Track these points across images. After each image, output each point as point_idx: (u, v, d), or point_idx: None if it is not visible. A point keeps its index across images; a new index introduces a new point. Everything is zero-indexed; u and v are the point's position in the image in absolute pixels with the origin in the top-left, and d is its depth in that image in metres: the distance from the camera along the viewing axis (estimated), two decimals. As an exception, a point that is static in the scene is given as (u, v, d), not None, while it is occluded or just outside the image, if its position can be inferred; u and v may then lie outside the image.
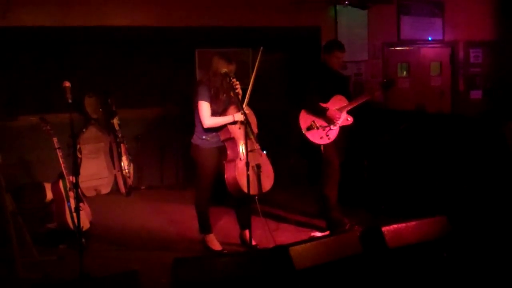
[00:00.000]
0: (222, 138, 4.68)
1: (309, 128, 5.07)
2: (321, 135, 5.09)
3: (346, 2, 7.46)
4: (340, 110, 5.14)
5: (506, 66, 8.73)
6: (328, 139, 5.11)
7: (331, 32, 7.46)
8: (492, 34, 8.82)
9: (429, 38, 8.39)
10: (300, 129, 5.06)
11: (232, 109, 4.65)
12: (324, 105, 5.11)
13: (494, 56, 8.93)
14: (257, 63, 4.75)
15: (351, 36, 7.58)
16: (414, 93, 8.62)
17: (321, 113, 5.07)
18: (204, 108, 4.61)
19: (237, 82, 4.56)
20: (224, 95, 4.66)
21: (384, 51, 8.03)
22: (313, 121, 5.08)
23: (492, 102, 8.68)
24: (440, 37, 8.48)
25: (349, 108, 5.18)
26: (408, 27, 8.17)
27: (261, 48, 4.74)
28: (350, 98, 5.26)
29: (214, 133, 4.70)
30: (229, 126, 4.60)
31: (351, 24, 7.65)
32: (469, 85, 8.87)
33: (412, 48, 8.52)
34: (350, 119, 5.19)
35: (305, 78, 5.29)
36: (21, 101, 6.64)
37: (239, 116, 4.56)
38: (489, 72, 8.94)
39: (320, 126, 5.09)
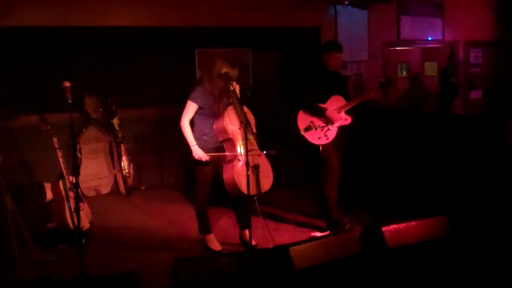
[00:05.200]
0: (220, 139, 4.68)
1: (307, 129, 5.07)
2: (319, 135, 5.09)
3: (346, 2, 7.46)
4: (338, 110, 5.14)
5: (506, 66, 8.73)
6: (327, 139, 5.11)
7: (331, 32, 7.46)
8: (492, 34, 8.82)
9: (429, 38, 8.39)
10: (298, 129, 5.06)
11: (230, 109, 4.64)
12: (322, 105, 5.11)
13: (494, 56, 8.92)
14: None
15: (351, 36, 7.58)
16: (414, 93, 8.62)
17: (320, 114, 5.07)
18: (189, 108, 4.64)
19: (237, 85, 4.57)
20: (225, 98, 4.65)
21: (384, 51, 8.03)
22: (311, 122, 5.08)
23: (492, 102, 8.67)
24: (440, 37, 8.48)
25: (347, 108, 5.18)
26: (408, 27, 8.17)
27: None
28: (348, 98, 5.26)
29: (212, 134, 4.69)
30: (227, 127, 4.60)
31: (351, 24, 7.65)
32: (469, 85, 8.87)
33: (412, 48, 8.52)
34: (348, 119, 5.19)
35: (303, 79, 5.29)
36: (21, 101, 6.65)
37: (196, 154, 4.61)
38: (489, 72, 8.94)
39: (318, 126, 5.09)
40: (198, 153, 4.63)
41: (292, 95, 5.25)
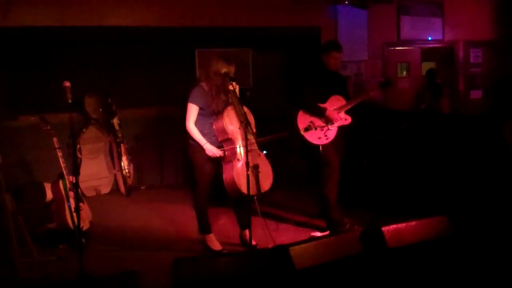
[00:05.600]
0: (220, 139, 4.68)
1: (307, 129, 5.07)
2: (319, 135, 5.09)
3: (346, 2, 7.46)
4: (338, 110, 5.14)
5: (506, 66, 8.73)
6: (327, 139, 5.11)
7: (331, 32, 7.47)
8: (492, 34, 8.82)
9: (429, 38, 8.39)
10: (298, 130, 5.06)
11: (229, 109, 4.65)
12: (322, 105, 5.11)
13: (494, 56, 8.93)
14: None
15: (351, 36, 7.58)
16: (414, 93, 8.63)
17: (320, 114, 5.07)
18: (191, 110, 4.64)
19: (236, 85, 4.57)
20: (223, 94, 4.65)
21: (384, 51, 8.04)
22: (311, 122, 5.08)
23: (492, 102, 8.68)
24: (440, 37, 8.49)
25: (347, 108, 5.18)
26: (408, 27, 8.18)
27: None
28: (348, 98, 5.26)
29: (211, 134, 4.69)
30: (227, 127, 4.60)
31: (351, 24, 7.65)
32: (469, 85, 8.87)
33: (412, 48, 8.53)
34: (348, 119, 5.19)
35: (303, 79, 5.29)
36: (21, 101, 6.65)
37: (209, 148, 4.60)
38: (489, 72, 8.95)
39: (318, 126, 5.09)
40: (211, 150, 4.62)
41: (292, 95, 5.25)
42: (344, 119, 5.17)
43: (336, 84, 5.29)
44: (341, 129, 5.19)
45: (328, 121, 5.09)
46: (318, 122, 5.09)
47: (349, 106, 5.18)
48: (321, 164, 5.19)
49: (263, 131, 4.94)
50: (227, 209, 5.46)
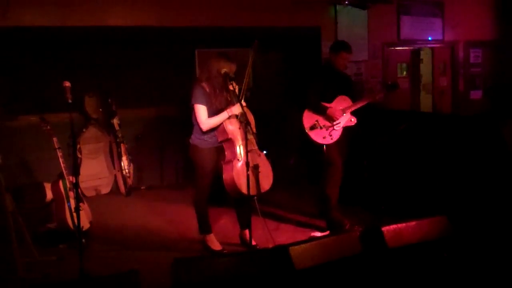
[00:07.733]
0: (219, 139, 4.67)
1: (312, 128, 5.07)
2: (324, 135, 5.10)
3: (346, 2, 7.46)
4: (344, 110, 5.14)
5: (506, 66, 8.73)
6: (331, 139, 5.11)
7: (331, 32, 7.46)
8: (492, 34, 8.82)
9: (429, 38, 8.39)
10: (303, 128, 5.06)
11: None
12: (328, 105, 5.11)
13: (494, 56, 8.93)
14: (251, 58, 4.74)
15: (351, 36, 7.57)
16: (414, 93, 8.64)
17: (322, 112, 5.07)
18: (201, 112, 4.60)
19: (236, 85, 4.57)
20: (225, 93, 4.65)
21: (384, 51, 8.03)
22: (317, 121, 5.08)
23: (492, 102, 8.68)
24: (440, 37, 8.48)
25: (352, 109, 5.18)
26: (408, 27, 8.17)
27: (256, 41, 4.74)
28: (355, 99, 5.26)
29: (212, 133, 4.69)
30: (227, 127, 4.59)
31: (351, 24, 7.65)
32: (469, 85, 8.87)
33: (412, 48, 8.52)
34: (354, 120, 5.19)
35: (310, 78, 5.29)
36: (21, 101, 6.64)
37: (233, 110, 4.55)
38: (489, 72, 8.94)
39: (324, 126, 5.09)
40: (234, 110, 4.55)
41: (299, 94, 5.26)
42: (349, 120, 5.17)
43: (343, 84, 5.29)
44: (346, 129, 5.19)
45: (330, 118, 5.08)
46: (324, 121, 5.10)
47: (355, 107, 5.18)
48: (324, 163, 5.19)
49: (263, 131, 4.94)
50: (227, 209, 5.47)
